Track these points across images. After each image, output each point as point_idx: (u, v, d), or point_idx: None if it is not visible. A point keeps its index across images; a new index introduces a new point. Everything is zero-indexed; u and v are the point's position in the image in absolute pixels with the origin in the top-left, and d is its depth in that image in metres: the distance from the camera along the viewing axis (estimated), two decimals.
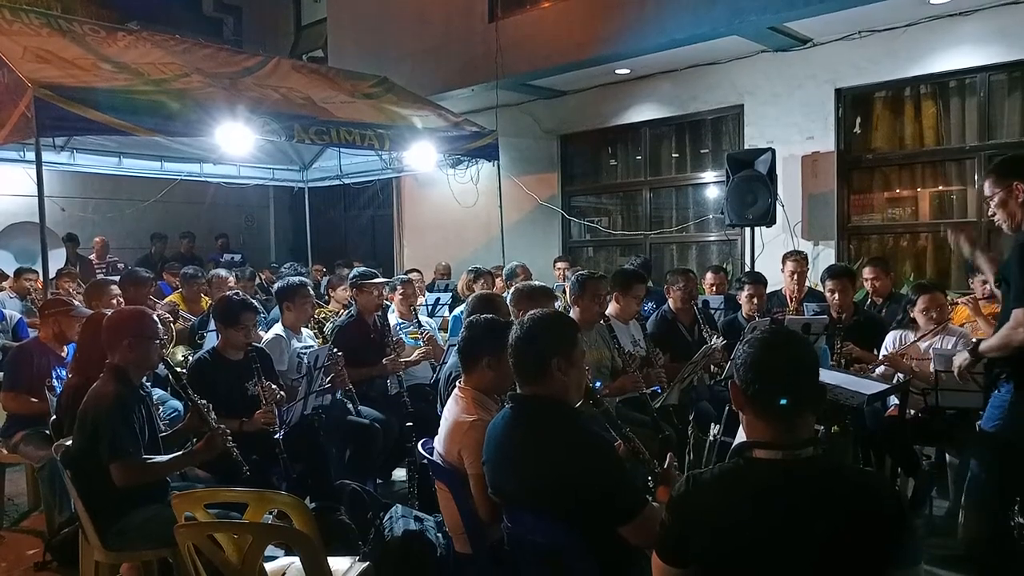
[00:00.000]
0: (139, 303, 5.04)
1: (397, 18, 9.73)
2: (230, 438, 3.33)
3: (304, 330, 4.98)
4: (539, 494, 2.28)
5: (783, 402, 1.74)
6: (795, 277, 5.68)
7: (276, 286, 5.21)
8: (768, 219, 6.89)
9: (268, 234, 14.34)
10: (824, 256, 7.29)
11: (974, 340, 3.61)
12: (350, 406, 4.64)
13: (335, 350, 4.45)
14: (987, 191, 3.21)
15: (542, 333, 2.42)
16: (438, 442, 2.84)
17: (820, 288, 5.68)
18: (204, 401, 3.38)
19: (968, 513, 3.25)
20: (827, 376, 3.48)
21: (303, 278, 5.20)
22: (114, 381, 3.17)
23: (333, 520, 3.51)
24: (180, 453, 3.26)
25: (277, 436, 3.86)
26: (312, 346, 4.73)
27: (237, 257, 11.07)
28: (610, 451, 2.41)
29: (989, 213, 3.25)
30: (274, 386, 3.98)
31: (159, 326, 3.44)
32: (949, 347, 4.24)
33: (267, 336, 4.76)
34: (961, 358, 3.38)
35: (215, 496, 2.82)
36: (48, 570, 3.90)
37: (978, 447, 3.28)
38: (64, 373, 4.38)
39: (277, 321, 5.65)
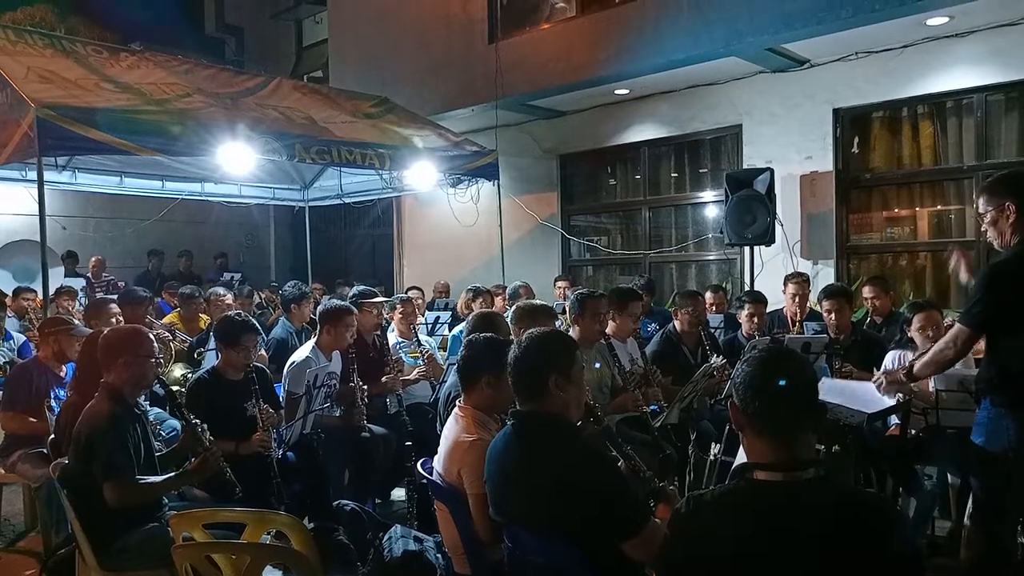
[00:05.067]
0: (136, 322, 5.03)
1: (398, 39, 9.80)
2: (223, 458, 3.31)
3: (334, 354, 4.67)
4: (541, 510, 2.26)
5: (782, 418, 1.74)
6: (797, 299, 5.69)
7: (320, 307, 4.84)
8: (767, 238, 6.92)
9: (268, 253, 14.37)
10: (823, 275, 7.30)
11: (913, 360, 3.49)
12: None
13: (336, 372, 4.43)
14: (980, 209, 3.20)
15: (539, 351, 2.42)
16: (438, 462, 2.83)
17: (819, 308, 5.68)
18: (198, 421, 3.36)
19: (971, 531, 3.24)
20: (828, 394, 3.47)
21: (348, 304, 4.81)
22: (108, 400, 3.15)
23: (332, 540, 3.48)
24: (174, 473, 3.25)
25: (276, 458, 3.84)
26: (336, 372, 4.63)
27: (237, 276, 11.05)
28: (612, 466, 2.41)
29: (982, 229, 3.25)
30: (271, 409, 3.95)
31: (155, 345, 3.41)
32: None
33: (297, 355, 4.57)
34: (893, 378, 3.39)
35: (213, 516, 2.81)
36: None
37: (978, 465, 3.27)
38: (63, 392, 4.37)
39: (278, 340, 5.67)
